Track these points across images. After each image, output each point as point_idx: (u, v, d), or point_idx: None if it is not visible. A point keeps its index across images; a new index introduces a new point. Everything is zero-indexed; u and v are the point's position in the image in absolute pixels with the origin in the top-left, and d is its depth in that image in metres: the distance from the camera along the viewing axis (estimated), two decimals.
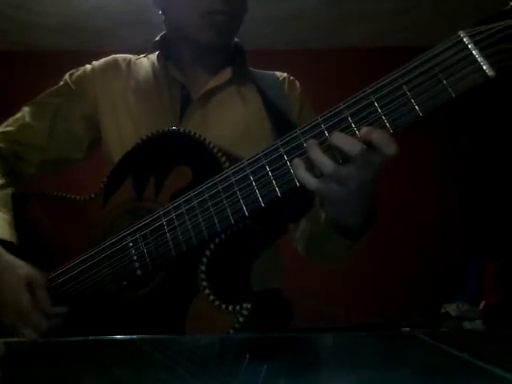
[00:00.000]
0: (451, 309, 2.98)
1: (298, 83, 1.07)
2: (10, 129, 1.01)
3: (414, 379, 0.40)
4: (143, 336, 0.63)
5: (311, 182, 0.66)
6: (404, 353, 0.52)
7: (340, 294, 3.16)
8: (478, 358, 0.42)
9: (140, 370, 0.45)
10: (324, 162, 0.64)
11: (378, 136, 0.62)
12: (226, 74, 0.98)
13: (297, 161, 0.67)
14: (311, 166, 0.66)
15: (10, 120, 1.03)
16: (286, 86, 1.04)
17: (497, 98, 2.73)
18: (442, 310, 3.04)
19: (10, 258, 0.85)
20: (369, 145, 0.63)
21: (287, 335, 0.70)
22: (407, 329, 2.27)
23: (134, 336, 0.63)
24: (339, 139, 0.64)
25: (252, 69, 1.04)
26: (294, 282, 1.11)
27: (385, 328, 2.69)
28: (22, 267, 0.83)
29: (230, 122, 0.96)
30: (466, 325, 2.79)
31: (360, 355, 0.52)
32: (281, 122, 0.96)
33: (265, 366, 0.45)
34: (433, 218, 3.39)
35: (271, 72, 1.07)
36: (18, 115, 1.03)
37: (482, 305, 2.92)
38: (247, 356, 0.53)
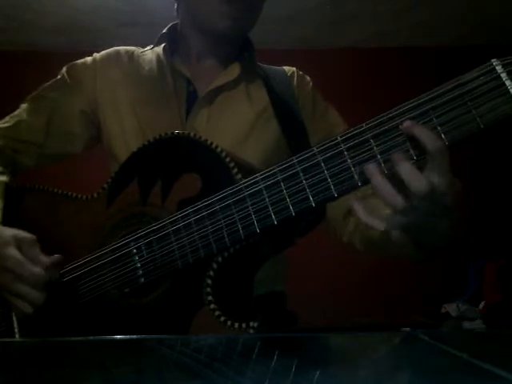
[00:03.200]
0: (451, 309, 2.98)
1: (308, 78, 1.05)
2: (7, 125, 1.00)
3: (414, 379, 0.40)
4: (144, 336, 0.63)
5: (378, 224, 0.63)
6: (404, 353, 0.52)
7: (340, 295, 3.16)
8: (478, 358, 0.42)
9: (141, 369, 0.45)
10: (396, 200, 0.60)
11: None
12: (235, 70, 0.97)
13: (357, 206, 0.63)
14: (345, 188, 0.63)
15: (7, 117, 1.02)
16: (294, 82, 1.02)
17: None
18: (442, 310, 3.04)
19: None
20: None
21: (289, 335, 0.70)
22: (407, 329, 2.27)
23: (134, 336, 0.63)
24: (421, 131, 0.59)
25: (260, 64, 1.03)
26: (295, 282, 1.10)
27: (385, 328, 2.69)
28: (6, 230, 0.80)
29: (237, 121, 0.94)
30: (466, 325, 2.79)
31: (360, 355, 0.52)
32: (288, 121, 0.94)
33: (266, 366, 0.45)
34: None
35: (279, 67, 1.05)
36: (16, 112, 1.02)
37: (481, 305, 2.92)
38: (251, 356, 0.53)
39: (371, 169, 0.61)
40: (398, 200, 0.60)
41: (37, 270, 0.76)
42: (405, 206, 0.60)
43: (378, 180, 0.60)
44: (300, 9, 3.07)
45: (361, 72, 3.45)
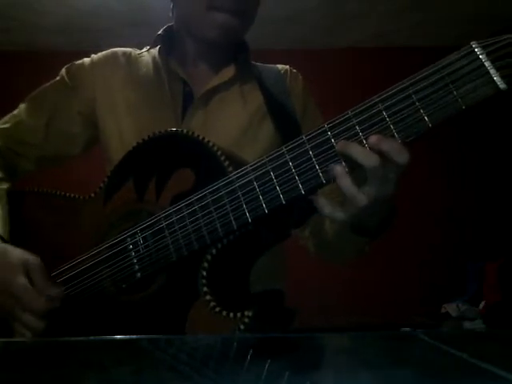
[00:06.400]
0: (451, 309, 2.98)
1: (300, 76, 1.05)
2: (6, 126, 1.00)
3: (414, 379, 0.40)
4: (143, 336, 0.63)
5: (340, 215, 0.67)
6: (404, 353, 0.52)
7: (340, 294, 3.16)
8: (478, 358, 0.42)
9: (140, 369, 0.45)
10: (357, 195, 0.64)
11: (387, 145, 0.62)
12: (229, 71, 0.97)
13: (322, 201, 0.67)
14: (319, 182, 0.66)
15: (7, 117, 1.02)
16: (287, 80, 1.02)
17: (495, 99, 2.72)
18: (442, 310, 3.04)
19: (2, 246, 0.83)
20: (380, 155, 0.62)
21: (287, 335, 0.70)
22: (407, 329, 2.27)
23: (133, 336, 0.63)
24: (353, 149, 0.63)
25: (254, 63, 1.03)
26: (294, 282, 1.11)
27: (385, 328, 2.69)
28: (15, 253, 0.81)
29: (232, 122, 0.95)
30: (466, 325, 2.79)
31: (360, 355, 0.52)
32: (283, 120, 0.95)
33: (264, 367, 0.45)
34: (433, 219, 3.39)
35: (273, 65, 1.05)
36: (15, 112, 1.02)
37: (482, 305, 2.92)
38: (247, 356, 0.53)
39: (338, 170, 0.64)
40: (362, 199, 0.65)
41: (41, 301, 0.77)
42: (366, 203, 0.65)
43: (344, 181, 0.65)
44: (300, 9, 3.07)
45: (361, 72, 3.45)
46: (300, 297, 1.57)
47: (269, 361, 0.47)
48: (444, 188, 3.43)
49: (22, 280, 0.78)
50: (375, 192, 0.65)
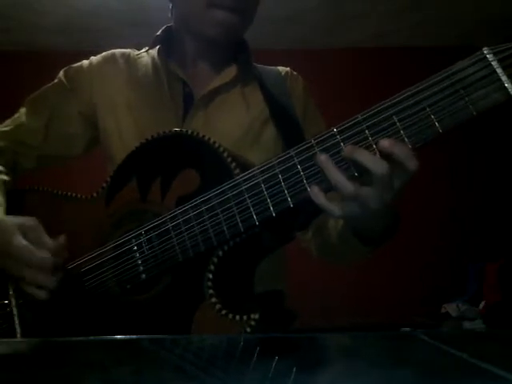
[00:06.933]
0: (451, 309, 2.98)
1: (300, 79, 1.05)
2: (7, 128, 1.01)
3: (414, 379, 0.40)
4: (144, 336, 0.63)
5: (335, 209, 0.66)
6: (404, 353, 0.52)
7: (340, 294, 3.16)
8: (477, 358, 0.42)
9: (141, 370, 0.45)
10: (343, 182, 0.63)
11: (399, 149, 0.61)
12: (231, 72, 0.97)
13: (316, 189, 0.66)
14: (328, 185, 0.65)
15: (8, 121, 1.02)
16: (288, 82, 1.02)
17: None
18: (442, 310, 3.04)
19: None
20: (388, 159, 0.62)
21: (289, 335, 0.70)
22: (407, 329, 2.27)
23: (134, 336, 0.63)
24: (362, 155, 0.62)
25: (255, 64, 1.03)
26: (295, 282, 1.11)
27: (385, 328, 2.69)
28: (10, 219, 0.81)
29: (233, 123, 0.95)
30: (466, 325, 2.79)
31: (360, 355, 0.52)
32: (285, 122, 0.95)
33: (270, 366, 0.45)
34: (434, 219, 3.39)
35: (274, 67, 1.05)
36: (16, 115, 1.03)
37: (482, 305, 2.92)
38: (250, 356, 0.53)
39: (323, 159, 0.64)
40: (347, 183, 0.64)
41: (43, 254, 0.76)
42: (353, 193, 0.64)
43: (329, 168, 0.64)
44: (300, 9, 3.07)
45: (361, 72, 3.45)
46: (302, 298, 1.57)
47: (274, 360, 0.47)
48: (445, 189, 3.43)
49: (19, 241, 0.77)
50: (375, 198, 0.64)
